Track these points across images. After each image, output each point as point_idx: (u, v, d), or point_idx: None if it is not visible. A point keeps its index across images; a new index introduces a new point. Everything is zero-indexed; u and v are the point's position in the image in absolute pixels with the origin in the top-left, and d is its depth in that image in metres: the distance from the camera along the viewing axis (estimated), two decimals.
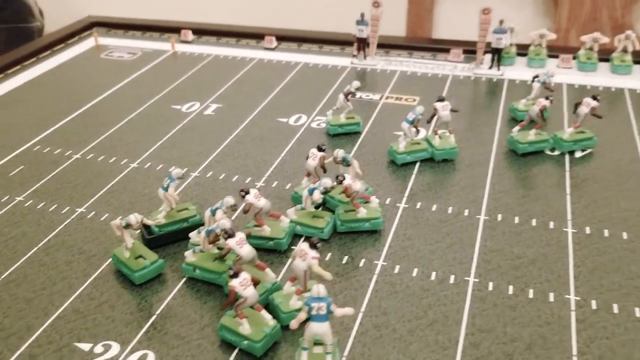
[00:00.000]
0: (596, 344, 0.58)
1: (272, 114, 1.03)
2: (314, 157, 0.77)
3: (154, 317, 0.62)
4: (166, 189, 0.73)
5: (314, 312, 0.53)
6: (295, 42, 1.34)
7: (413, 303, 0.63)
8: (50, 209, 0.79)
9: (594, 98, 0.88)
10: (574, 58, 1.18)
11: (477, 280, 0.66)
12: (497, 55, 1.14)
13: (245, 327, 0.57)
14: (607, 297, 0.63)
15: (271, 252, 0.71)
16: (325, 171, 0.77)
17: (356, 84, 0.95)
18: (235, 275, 0.56)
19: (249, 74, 1.19)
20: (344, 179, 0.72)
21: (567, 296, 0.64)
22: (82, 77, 1.21)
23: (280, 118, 1.02)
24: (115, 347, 0.59)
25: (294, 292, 0.61)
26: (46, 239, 0.74)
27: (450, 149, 0.87)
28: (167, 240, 0.72)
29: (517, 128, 0.90)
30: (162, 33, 1.42)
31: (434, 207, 0.78)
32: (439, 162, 0.87)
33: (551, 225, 0.74)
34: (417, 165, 0.87)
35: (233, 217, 0.77)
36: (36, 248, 0.72)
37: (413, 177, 0.84)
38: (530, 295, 0.64)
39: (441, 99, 0.88)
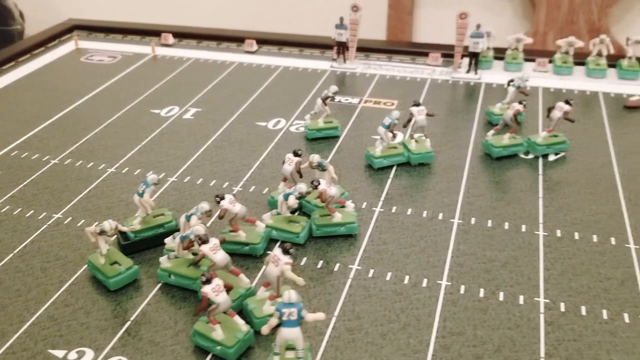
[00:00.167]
0: (564, 345, 0.59)
1: (251, 118, 1.03)
2: (290, 162, 0.78)
3: (128, 323, 0.63)
4: (141, 195, 0.73)
5: (285, 318, 0.53)
6: (276, 45, 1.35)
7: (386, 307, 0.64)
8: (27, 215, 0.79)
9: (567, 102, 0.90)
10: (550, 62, 1.19)
11: (449, 283, 0.67)
12: (475, 59, 1.15)
13: (218, 333, 0.58)
14: (575, 300, 0.65)
15: (247, 257, 0.71)
16: (301, 176, 0.77)
17: (333, 88, 0.96)
18: (208, 281, 0.57)
19: (229, 78, 1.20)
20: (319, 184, 0.73)
21: (536, 299, 0.65)
22: (61, 80, 1.21)
23: (259, 122, 1.02)
24: (89, 354, 0.59)
25: (267, 297, 0.62)
26: (22, 245, 0.74)
27: (426, 153, 0.88)
28: (143, 246, 0.72)
29: (491, 132, 0.92)
30: (142, 36, 1.42)
31: (409, 211, 0.79)
32: (415, 166, 0.88)
33: (523, 228, 0.75)
34: (394, 169, 0.88)
35: (209, 223, 0.77)
36: (12, 254, 0.72)
37: (389, 181, 0.85)
38: (501, 298, 0.65)
39: (417, 104, 0.89)
